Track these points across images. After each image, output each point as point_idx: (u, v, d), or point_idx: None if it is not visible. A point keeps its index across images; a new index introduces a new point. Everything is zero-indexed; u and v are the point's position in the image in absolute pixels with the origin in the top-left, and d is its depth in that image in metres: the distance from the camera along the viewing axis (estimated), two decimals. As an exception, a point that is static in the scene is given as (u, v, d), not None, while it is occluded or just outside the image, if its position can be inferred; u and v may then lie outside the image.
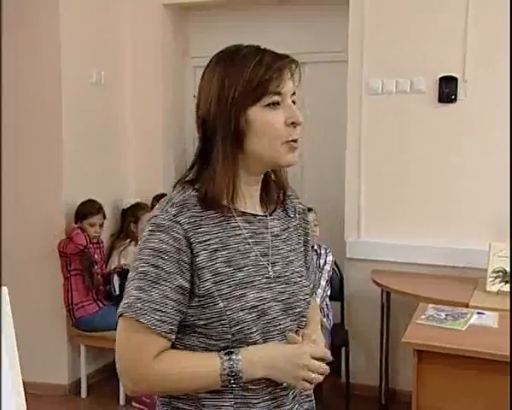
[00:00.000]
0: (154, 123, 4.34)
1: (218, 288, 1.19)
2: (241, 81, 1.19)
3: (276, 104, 1.21)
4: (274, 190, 1.34)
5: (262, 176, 1.30)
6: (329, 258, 3.53)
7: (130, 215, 4.08)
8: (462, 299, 3.05)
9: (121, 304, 1.20)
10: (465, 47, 3.52)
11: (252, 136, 1.21)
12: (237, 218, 1.26)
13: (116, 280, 3.84)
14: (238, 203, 1.26)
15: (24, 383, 1.15)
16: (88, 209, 3.79)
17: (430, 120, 3.66)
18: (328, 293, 3.55)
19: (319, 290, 3.42)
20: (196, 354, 1.22)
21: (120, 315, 1.20)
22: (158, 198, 4.26)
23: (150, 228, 1.21)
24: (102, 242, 4.00)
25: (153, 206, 4.22)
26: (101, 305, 3.82)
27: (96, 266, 3.85)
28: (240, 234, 1.25)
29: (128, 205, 4.17)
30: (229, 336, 1.19)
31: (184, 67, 4.57)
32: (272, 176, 1.33)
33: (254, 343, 1.21)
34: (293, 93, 1.24)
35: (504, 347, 2.27)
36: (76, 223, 3.79)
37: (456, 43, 3.53)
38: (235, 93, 1.19)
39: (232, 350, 1.19)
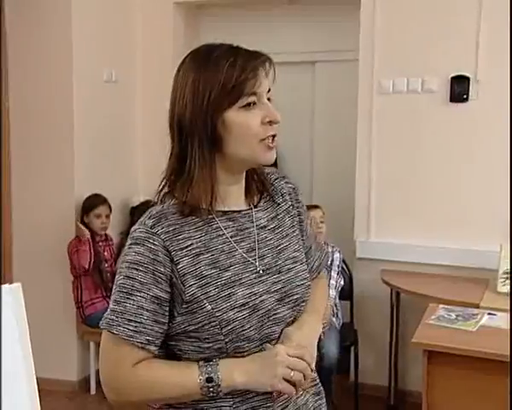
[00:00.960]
0: (164, 121, 4.31)
1: (204, 291, 1.19)
2: (215, 84, 1.18)
3: (252, 104, 1.20)
4: (254, 182, 1.33)
5: (244, 173, 1.29)
6: (336, 255, 3.54)
7: (140, 214, 4.08)
8: (473, 300, 3.03)
9: (102, 317, 1.23)
10: (477, 46, 3.49)
11: (229, 138, 1.20)
12: (218, 219, 1.25)
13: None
14: (218, 204, 1.24)
15: (35, 379, 1.16)
16: (93, 201, 3.81)
17: (441, 120, 3.64)
18: (342, 283, 3.56)
19: (332, 282, 3.45)
20: (176, 363, 1.23)
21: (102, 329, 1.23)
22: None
23: (129, 242, 1.23)
24: (112, 239, 4.01)
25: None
26: (110, 302, 3.83)
27: (105, 264, 3.86)
28: (222, 234, 1.25)
29: (137, 203, 4.17)
30: (222, 337, 1.19)
31: (195, 66, 4.57)
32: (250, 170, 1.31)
33: (249, 340, 1.21)
34: (269, 90, 1.23)
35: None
36: (82, 217, 3.79)
37: (469, 43, 3.51)
38: (211, 96, 1.18)
39: (211, 359, 1.20)
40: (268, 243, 1.30)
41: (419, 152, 3.71)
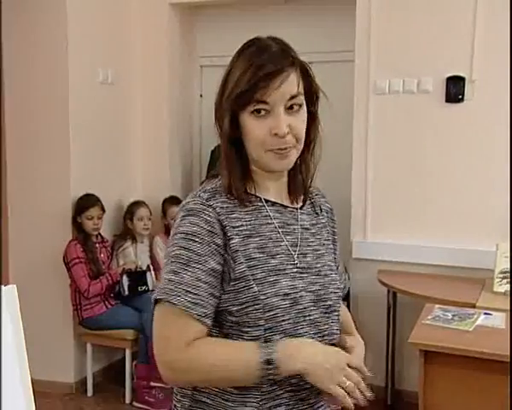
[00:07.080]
0: (160, 122, 4.34)
1: (252, 272, 1.19)
2: (234, 83, 1.20)
3: (263, 111, 1.19)
4: (300, 184, 1.33)
5: (283, 171, 1.30)
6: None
7: (128, 213, 4.08)
8: (469, 299, 3.03)
9: (155, 290, 1.21)
10: (473, 47, 3.50)
11: (244, 138, 1.23)
12: (268, 208, 1.27)
13: (125, 281, 3.83)
14: (265, 194, 1.28)
15: (30, 380, 1.15)
16: (84, 203, 3.76)
17: (437, 120, 3.64)
18: None
19: None
20: (233, 342, 1.20)
21: (155, 302, 1.20)
22: (168, 201, 4.22)
23: (182, 214, 1.22)
24: (108, 241, 3.99)
25: (163, 209, 4.20)
26: (108, 305, 3.81)
27: (103, 266, 3.84)
28: (271, 223, 1.26)
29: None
30: (263, 322, 1.18)
31: (191, 67, 4.57)
32: (298, 169, 1.32)
33: (285, 333, 1.20)
34: (293, 97, 1.20)
35: None
36: (75, 218, 3.77)
37: (464, 43, 3.52)
38: (230, 95, 1.20)
39: (270, 341, 1.17)
40: (310, 244, 1.32)
41: (415, 152, 3.71)
